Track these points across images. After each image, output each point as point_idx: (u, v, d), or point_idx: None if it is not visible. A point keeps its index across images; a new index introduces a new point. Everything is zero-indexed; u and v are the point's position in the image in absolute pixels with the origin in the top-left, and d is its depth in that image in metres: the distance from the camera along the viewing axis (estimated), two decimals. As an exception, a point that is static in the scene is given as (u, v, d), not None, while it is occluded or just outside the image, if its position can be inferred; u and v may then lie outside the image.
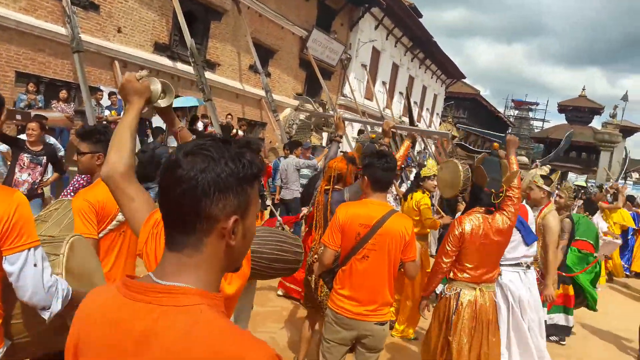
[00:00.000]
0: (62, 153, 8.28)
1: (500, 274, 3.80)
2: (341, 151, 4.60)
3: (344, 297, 2.91)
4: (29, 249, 1.68)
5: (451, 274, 3.46)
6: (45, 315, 1.70)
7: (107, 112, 10.60)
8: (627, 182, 32.82)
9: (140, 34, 12.30)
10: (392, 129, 4.12)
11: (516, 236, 3.97)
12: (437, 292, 4.42)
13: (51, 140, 7.75)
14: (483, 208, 3.45)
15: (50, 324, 1.79)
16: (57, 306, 1.71)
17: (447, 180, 4.08)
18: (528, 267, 4.15)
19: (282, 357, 0.99)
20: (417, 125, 30.09)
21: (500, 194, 3.46)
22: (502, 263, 3.82)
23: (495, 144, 4.38)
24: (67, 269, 1.92)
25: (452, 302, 3.40)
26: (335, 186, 3.81)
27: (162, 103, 1.89)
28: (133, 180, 1.51)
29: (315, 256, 3.61)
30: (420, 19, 25.99)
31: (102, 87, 11.06)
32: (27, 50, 9.91)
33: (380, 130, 4.46)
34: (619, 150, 38.84)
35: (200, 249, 0.94)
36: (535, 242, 4.21)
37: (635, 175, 38.73)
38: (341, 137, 4.34)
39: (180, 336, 0.85)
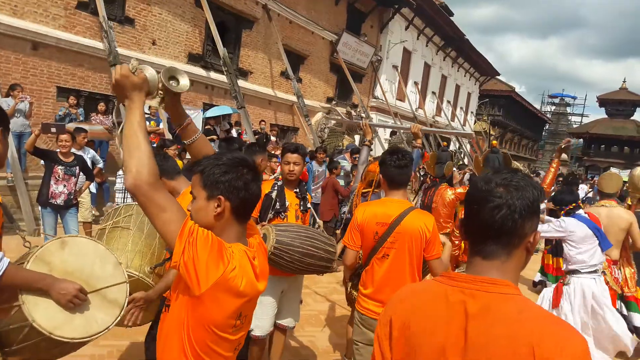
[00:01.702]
0: (101, 165, 8.55)
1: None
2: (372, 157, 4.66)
3: (368, 297, 2.90)
4: None
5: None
6: None
7: (146, 123, 10.87)
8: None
9: (174, 46, 12.57)
10: (420, 131, 4.19)
11: (594, 243, 4.13)
12: None
13: (90, 152, 8.01)
14: None
15: (11, 324, 1.92)
16: None
17: None
18: (603, 272, 4.35)
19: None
20: (451, 126, 29.71)
21: None
22: (582, 270, 4.14)
23: (494, 141, 4.74)
24: (38, 257, 1.99)
25: None
26: (375, 189, 3.90)
27: (179, 88, 1.80)
28: (161, 188, 1.47)
29: None
30: (451, 17, 25.65)
31: (139, 99, 11.34)
32: (67, 65, 10.26)
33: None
34: (665, 144, 37.25)
35: (510, 257, 1.19)
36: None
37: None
38: (370, 141, 4.39)
39: (514, 314, 1.10)
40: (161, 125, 11.01)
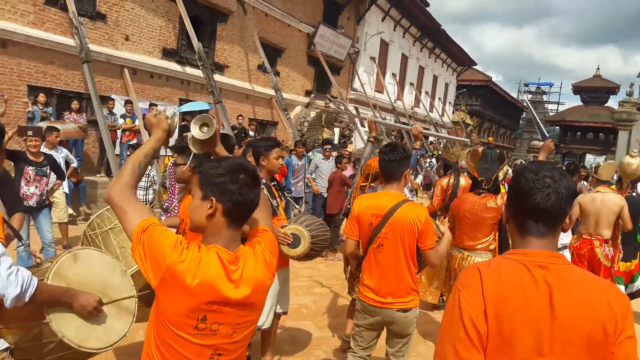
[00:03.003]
0: (75, 164, 8.38)
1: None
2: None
3: (367, 285, 3.06)
4: None
5: None
6: (7, 301, 1.88)
7: (121, 121, 10.68)
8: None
9: (147, 41, 12.37)
10: (420, 133, 4.38)
11: None
12: None
13: (64, 151, 7.85)
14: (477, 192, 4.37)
15: (39, 340, 2.04)
16: (15, 291, 1.87)
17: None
18: (564, 248, 4.99)
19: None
20: (430, 117, 29.89)
21: (491, 182, 4.32)
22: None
23: (490, 138, 5.15)
24: (56, 273, 2.13)
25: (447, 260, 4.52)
26: (372, 184, 4.12)
27: (201, 135, 2.04)
28: (129, 196, 1.65)
29: None
30: (427, 8, 25.72)
31: (113, 96, 11.14)
32: (38, 63, 10.02)
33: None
34: (638, 129, 38.14)
35: (555, 235, 1.43)
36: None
37: (655, 153, 37.95)
38: (375, 138, 4.55)
39: (586, 277, 1.38)
40: (137, 122, 10.84)
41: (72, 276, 2.17)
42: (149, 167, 9.02)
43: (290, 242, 3.29)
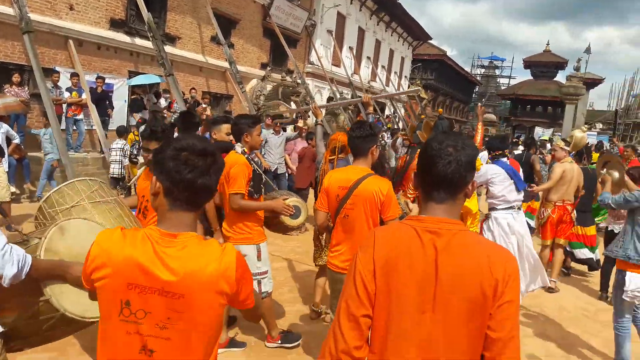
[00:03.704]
0: (17, 140, 8.00)
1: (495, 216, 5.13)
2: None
3: (333, 252, 3.29)
4: None
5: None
6: (6, 280, 1.86)
7: (66, 94, 10.22)
8: (591, 132, 33.62)
9: (94, 11, 11.78)
10: (370, 100, 4.65)
11: (510, 184, 5.09)
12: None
13: (4, 127, 7.46)
14: None
15: (38, 317, 2.05)
16: (12, 270, 1.86)
17: None
18: (519, 209, 5.19)
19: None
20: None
21: None
22: (497, 207, 5.13)
23: (440, 109, 5.65)
24: (47, 249, 2.12)
25: None
26: (340, 155, 4.34)
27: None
28: None
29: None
30: (383, -19, 25.58)
31: (57, 68, 10.62)
32: (-27, 33, 9.41)
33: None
34: (583, 103, 39.59)
35: (456, 201, 1.51)
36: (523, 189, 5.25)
37: (599, 125, 39.65)
38: (332, 112, 4.95)
39: (474, 243, 1.45)
40: (83, 96, 10.40)
41: (63, 249, 2.17)
42: (123, 141, 8.70)
43: (292, 214, 3.59)
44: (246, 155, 3.59)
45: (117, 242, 1.47)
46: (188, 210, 1.52)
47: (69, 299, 2.05)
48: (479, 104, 5.10)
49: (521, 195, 5.21)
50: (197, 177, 1.47)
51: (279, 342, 4.01)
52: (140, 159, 3.53)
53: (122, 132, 9.43)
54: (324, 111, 19.72)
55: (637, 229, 3.97)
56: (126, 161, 8.06)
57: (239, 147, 3.63)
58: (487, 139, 8.41)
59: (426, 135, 4.83)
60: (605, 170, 5.53)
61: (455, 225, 1.47)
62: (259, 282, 3.64)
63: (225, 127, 4.17)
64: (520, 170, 5.40)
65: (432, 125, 5.01)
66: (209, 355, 1.52)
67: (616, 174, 5.30)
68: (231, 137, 4.21)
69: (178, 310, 1.43)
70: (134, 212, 3.31)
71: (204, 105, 12.72)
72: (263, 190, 3.81)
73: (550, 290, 6.07)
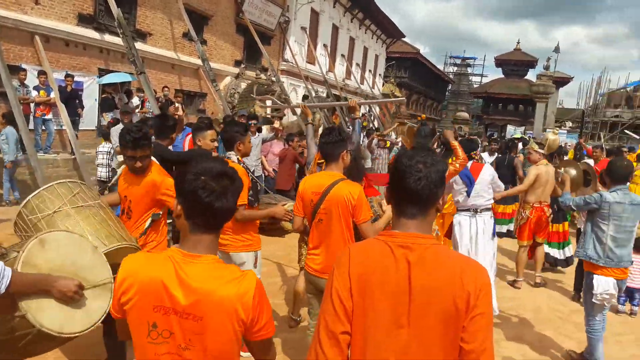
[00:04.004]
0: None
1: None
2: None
3: (310, 255, 3.35)
4: None
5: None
6: None
7: (34, 93, 9.86)
8: (561, 130, 34.38)
9: (61, 5, 11.40)
10: (357, 104, 4.57)
11: (461, 188, 5.28)
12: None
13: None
14: None
15: (14, 332, 2.02)
16: None
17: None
18: (476, 211, 5.29)
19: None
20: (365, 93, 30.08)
21: None
22: (459, 208, 5.35)
23: (423, 115, 5.69)
24: (25, 262, 2.07)
25: None
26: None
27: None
28: None
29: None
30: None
31: (24, 66, 10.24)
32: None
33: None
34: (553, 101, 40.41)
35: (427, 216, 1.54)
36: (489, 194, 5.40)
37: (568, 124, 40.54)
38: (312, 121, 4.74)
39: (445, 258, 1.48)
40: (52, 95, 10.07)
41: (42, 263, 2.12)
42: (110, 144, 8.40)
43: (291, 218, 3.62)
44: (242, 164, 3.63)
45: (142, 263, 1.55)
46: (208, 232, 1.55)
47: (46, 315, 2.01)
48: (451, 129, 5.34)
49: (480, 200, 5.28)
50: (214, 200, 1.50)
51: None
52: (119, 158, 3.42)
53: (107, 135, 9.15)
54: (299, 111, 19.62)
55: (596, 230, 4.05)
56: (113, 164, 7.89)
57: (234, 156, 3.67)
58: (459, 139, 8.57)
59: (409, 141, 4.94)
60: (562, 169, 5.61)
61: (427, 239, 1.49)
62: None
63: (210, 134, 4.19)
64: (486, 173, 5.40)
65: (414, 131, 5.11)
66: None
67: (573, 171, 5.37)
68: (216, 144, 4.27)
69: (197, 332, 1.47)
70: (116, 212, 3.22)
71: (176, 105, 12.47)
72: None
73: (537, 284, 6.44)
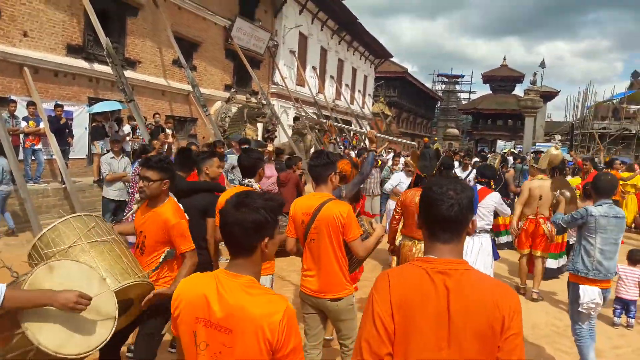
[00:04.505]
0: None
1: None
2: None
3: (304, 276, 3.39)
4: None
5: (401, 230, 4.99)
6: None
7: (23, 124, 9.84)
8: (550, 143, 34.66)
9: (49, 37, 11.47)
10: (374, 136, 4.62)
11: None
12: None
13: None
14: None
15: (15, 351, 2.08)
16: None
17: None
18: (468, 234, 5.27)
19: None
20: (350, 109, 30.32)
21: (432, 176, 4.96)
22: None
23: (426, 138, 5.66)
24: (31, 284, 2.13)
25: (398, 249, 4.96)
26: (339, 183, 4.46)
27: None
28: None
29: None
30: (343, 1, 25.96)
31: (13, 97, 10.23)
32: None
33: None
34: (542, 115, 40.81)
35: (459, 241, 1.64)
36: (489, 217, 5.48)
37: (557, 137, 40.92)
38: (299, 132, 4.86)
39: (478, 282, 1.57)
40: (41, 125, 10.06)
41: (47, 286, 2.16)
42: (124, 163, 8.24)
43: None
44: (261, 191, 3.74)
45: (192, 282, 1.77)
46: (241, 257, 1.73)
47: (46, 333, 2.06)
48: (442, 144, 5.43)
49: (480, 222, 5.26)
50: (231, 228, 1.70)
51: None
52: (137, 196, 3.53)
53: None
54: (291, 132, 19.69)
55: (584, 244, 4.17)
56: (110, 191, 7.74)
57: (254, 184, 3.85)
58: (461, 154, 8.88)
59: (414, 164, 5.07)
60: (558, 191, 5.74)
61: (462, 265, 1.59)
62: None
63: (216, 161, 4.32)
64: (490, 201, 5.52)
65: (419, 155, 5.24)
66: None
67: (568, 193, 5.50)
68: (221, 170, 4.44)
69: (227, 345, 1.61)
70: (130, 243, 3.21)
71: (167, 132, 12.48)
72: None
73: (534, 300, 6.49)
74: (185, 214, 3.25)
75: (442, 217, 1.60)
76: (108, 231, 2.89)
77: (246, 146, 9.02)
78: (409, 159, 5.44)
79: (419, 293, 1.54)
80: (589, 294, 4.08)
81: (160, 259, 3.07)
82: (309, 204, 3.31)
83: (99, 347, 2.27)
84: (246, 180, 3.88)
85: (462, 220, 1.61)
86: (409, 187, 5.91)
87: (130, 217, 3.59)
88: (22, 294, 2.03)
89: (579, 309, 4.12)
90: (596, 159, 13.07)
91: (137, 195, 3.41)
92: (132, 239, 3.48)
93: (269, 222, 1.71)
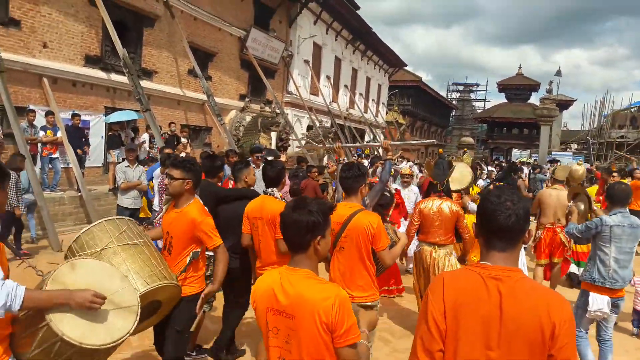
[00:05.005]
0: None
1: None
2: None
3: (332, 282, 3.53)
4: None
5: (417, 236, 5.29)
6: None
7: (42, 133, 10.02)
8: (566, 152, 34.27)
9: (68, 48, 11.70)
10: (390, 146, 4.73)
11: None
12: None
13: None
14: (436, 194, 5.28)
15: (43, 344, 2.15)
16: (0, 301, 1.97)
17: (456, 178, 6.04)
18: (524, 243, 5.58)
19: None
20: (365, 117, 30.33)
21: (444, 184, 5.33)
22: None
23: (440, 150, 6.04)
24: (54, 279, 2.25)
25: (418, 254, 5.23)
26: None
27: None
28: None
29: None
30: (357, 11, 26.08)
31: (32, 107, 10.44)
32: (-56, 73, 9.22)
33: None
34: (557, 124, 40.38)
35: (514, 250, 1.71)
36: None
37: (574, 146, 40.42)
38: (392, 159, 4.82)
39: (530, 290, 1.62)
40: (59, 134, 10.23)
41: (70, 282, 2.27)
42: (139, 172, 8.28)
43: None
44: (283, 200, 3.98)
45: (263, 278, 2.06)
46: (298, 253, 1.98)
47: (69, 325, 2.16)
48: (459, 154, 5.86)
49: None
50: (290, 228, 1.97)
51: None
52: (164, 198, 3.83)
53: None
54: (303, 142, 19.77)
55: (599, 254, 4.18)
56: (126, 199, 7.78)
57: (277, 193, 4.03)
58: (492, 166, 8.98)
59: (429, 172, 5.42)
60: (572, 202, 5.71)
61: (516, 272, 1.66)
62: None
63: (252, 170, 4.63)
64: None
65: (432, 164, 5.59)
66: None
67: (582, 206, 5.50)
68: (255, 178, 4.72)
69: (293, 329, 1.87)
70: (158, 246, 3.37)
71: (184, 141, 12.60)
72: None
73: None
74: (222, 218, 3.55)
75: (499, 227, 1.68)
76: (139, 234, 3.00)
77: (258, 154, 9.05)
78: (424, 168, 5.80)
79: (472, 295, 1.64)
80: (598, 302, 4.11)
81: (187, 261, 3.23)
82: (339, 213, 3.39)
83: (123, 338, 2.37)
84: (269, 190, 4.05)
85: (519, 230, 1.69)
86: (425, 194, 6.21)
87: (159, 220, 3.73)
88: (40, 295, 2.14)
89: (586, 315, 4.19)
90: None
91: (164, 198, 3.61)
92: (159, 243, 3.64)
93: (321, 223, 1.96)
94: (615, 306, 4.19)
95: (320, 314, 1.79)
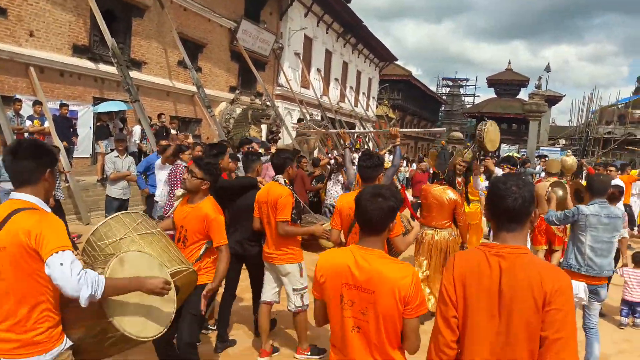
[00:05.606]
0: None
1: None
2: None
3: None
4: (55, 253, 2.05)
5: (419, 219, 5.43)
6: (83, 301, 2.08)
7: (28, 123, 9.87)
8: (554, 147, 34.55)
9: (55, 37, 11.53)
10: (398, 132, 4.94)
11: None
12: None
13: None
14: (438, 182, 5.61)
15: (100, 335, 2.38)
16: (87, 291, 2.08)
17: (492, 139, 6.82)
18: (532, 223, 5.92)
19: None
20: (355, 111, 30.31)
21: (445, 173, 5.69)
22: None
23: (443, 141, 6.40)
24: (110, 277, 2.34)
25: (420, 237, 5.45)
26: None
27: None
28: None
29: None
30: (348, 4, 25.99)
31: (18, 96, 10.28)
32: None
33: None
34: (546, 119, 40.68)
35: (523, 230, 1.90)
36: None
37: (562, 141, 40.75)
38: (347, 145, 5.21)
39: (527, 264, 1.81)
40: (46, 124, 10.09)
41: (122, 276, 2.44)
42: (128, 162, 8.13)
43: (329, 237, 4.01)
44: (288, 186, 4.18)
45: (331, 255, 2.26)
46: (374, 235, 2.19)
47: (128, 321, 2.39)
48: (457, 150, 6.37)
49: None
50: (371, 214, 2.15)
51: (308, 354, 4.37)
52: (178, 192, 3.84)
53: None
54: (294, 134, 19.69)
55: (576, 241, 4.35)
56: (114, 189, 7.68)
57: (281, 179, 4.19)
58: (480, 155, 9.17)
59: (432, 162, 5.83)
60: (550, 189, 5.79)
61: (519, 250, 1.85)
62: (302, 296, 4.21)
63: (262, 161, 4.87)
64: None
65: (436, 155, 6.06)
66: (395, 340, 2.10)
67: (560, 192, 5.57)
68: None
69: (371, 302, 2.07)
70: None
71: (186, 133, 12.54)
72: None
73: None
74: (235, 211, 3.94)
75: (507, 209, 1.86)
76: (153, 226, 3.17)
77: (247, 147, 9.06)
78: (428, 158, 6.20)
79: (476, 271, 1.87)
80: (574, 288, 4.16)
81: (201, 251, 3.44)
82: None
83: (168, 326, 2.64)
84: (275, 176, 4.27)
85: (525, 211, 1.87)
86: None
87: (171, 214, 3.87)
88: (118, 282, 2.33)
89: None
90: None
91: (177, 192, 3.89)
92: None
93: (397, 208, 2.19)
94: (595, 293, 4.30)
95: (400, 289, 2.01)
